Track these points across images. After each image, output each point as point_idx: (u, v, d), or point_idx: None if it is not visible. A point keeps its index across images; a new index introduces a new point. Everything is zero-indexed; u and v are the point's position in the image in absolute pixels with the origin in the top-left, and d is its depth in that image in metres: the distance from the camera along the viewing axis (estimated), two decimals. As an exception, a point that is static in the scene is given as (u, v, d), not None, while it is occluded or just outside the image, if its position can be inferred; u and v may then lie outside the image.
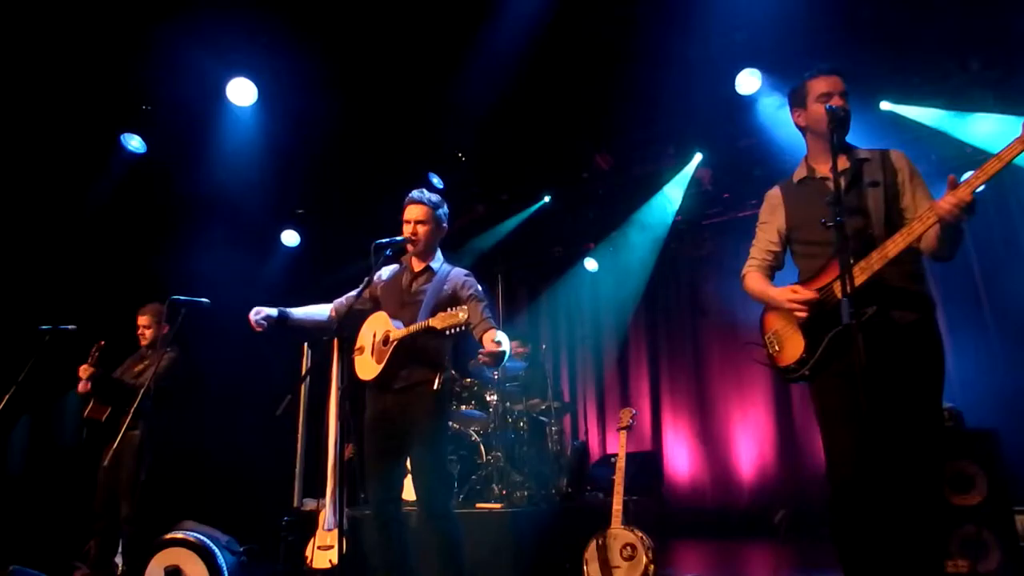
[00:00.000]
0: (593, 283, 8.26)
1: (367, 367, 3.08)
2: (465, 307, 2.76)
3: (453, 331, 2.76)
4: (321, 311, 3.32)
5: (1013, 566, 3.53)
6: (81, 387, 4.12)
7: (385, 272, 3.32)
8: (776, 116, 5.56)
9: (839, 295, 2.29)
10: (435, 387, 2.96)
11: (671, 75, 5.21)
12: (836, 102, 2.42)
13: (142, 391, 3.74)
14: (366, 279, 3.11)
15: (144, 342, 4.40)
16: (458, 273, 3.20)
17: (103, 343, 4.09)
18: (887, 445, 2.17)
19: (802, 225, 2.54)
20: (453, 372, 3.12)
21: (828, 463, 2.37)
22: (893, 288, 2.31)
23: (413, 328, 2.91)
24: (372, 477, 3.02)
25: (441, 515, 2.93)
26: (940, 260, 2.36)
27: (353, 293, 3.24)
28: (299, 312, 3.27)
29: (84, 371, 4.01)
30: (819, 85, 2.50)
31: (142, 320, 4.44)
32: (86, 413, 4.13)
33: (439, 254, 3.25)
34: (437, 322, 2.79)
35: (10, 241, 5.63)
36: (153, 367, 4.15)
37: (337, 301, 3.35)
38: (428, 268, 3.18)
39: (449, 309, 2.78)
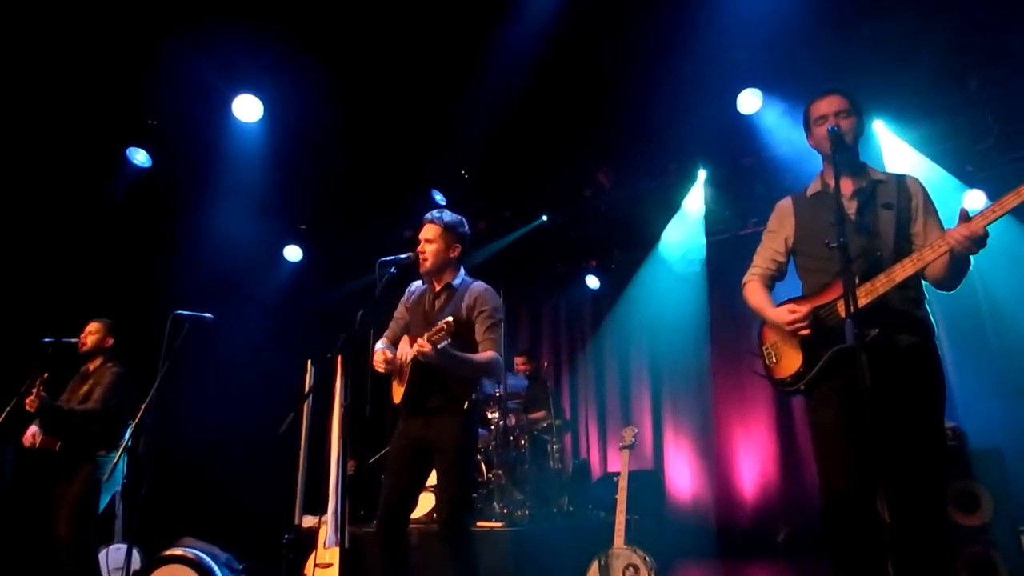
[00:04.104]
0: (594, 300, 8.26)
1: (396, 390, 3.11)
2: (451, 318, 2.73)
3: (445, 343, 2.74)
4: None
5: (1020, 587, 3.51)
6: (27, 438, 4.07)
7: (414, 294, 3.32)
8: (777, 133, 5.58)
9: (842, 314, 2.30)
10: (464, 407, 2.94)
11: (671, 92, 5.25)
12: (832, 122, 2.44)
13: (143, 406, 3.73)
14: (378, 294, 3.11)
15: (83, 348, 4.32)
16: (476, 288, 3.15)
17: (47, 375, 4.00)
18: (887, 463, 2.18)
19: (810, 238, 2.55)
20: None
21: (821, 477, 2.38)
22: (895, 311, 2.33)
23: (415, 351, 2.88)
24: (386, 494, 3.00)
25: (460, 535, 2.90)
26: (943, 290, 2.39)
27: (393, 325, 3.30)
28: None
29: (30, 404, 3.92)
30: (818, 107, 2.53)
31: (91, 327, 4.36)
32: (38, 444, 4.03)
33: (461, 272, 3.22)
34: (429, 337, 2.76)
35: (15, 253, 5.65)
36: (99, 386, 4.16)
37: (389, 334, 3.33)
38: (448, 286, 3.16)
39: (438, 323, 2.75)
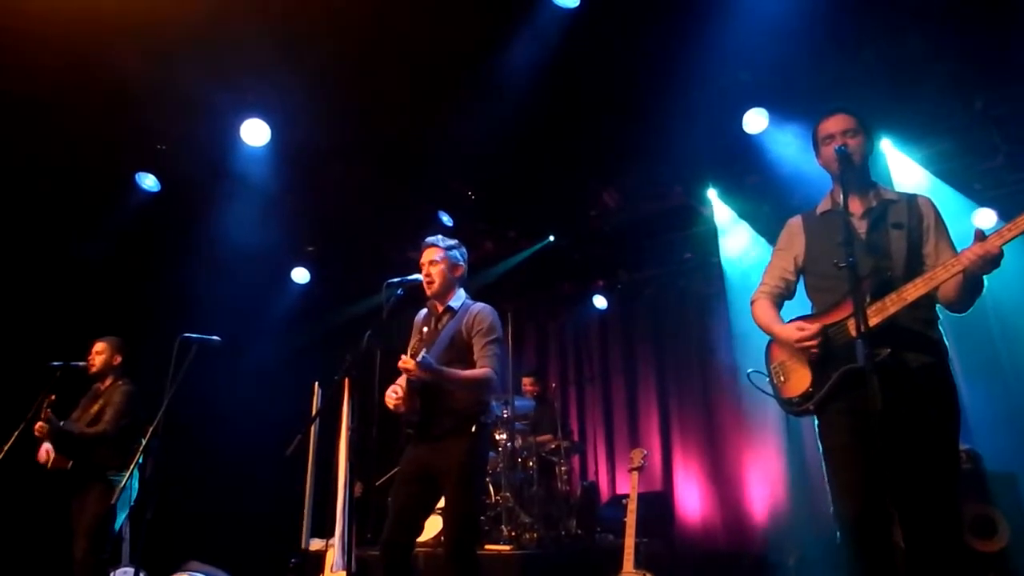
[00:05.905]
0: (601, 320, 8.24)
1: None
2: (425, 328, 2.83)
3: (423, 352, 2.82)
4: None
5: (1039, 614, 3.43)
6: (42, 454, 4.11)
7: (419, 320, 3.37)
8: (783, 153, 5.57)
9: (852, 333, 2.28)
10: (472, 429, 2.97)
11: (677, 113, 5.25)
12: (839, 142, 2.45)
13: (151, 429, 3.73)
14: (384, 314, 3.14)
15: (93, 369, 4.36)
16: (475, 308, 3.21)
17: (53, 397, 4.05)
18: (901, 487, 2.14)
19: (820, 258, 2.54)
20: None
21: (834, 501, 2.35)
22: (907, 331, 2.31)
23: (409, 375, 2.93)
24: (392, 518, 2.99)
25: (466, 559, 2.89)
26: (955, 311, 2.37)
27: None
28: None
29: (39, 430, 3.96)
30: (826, 127, 2.54)
31: (97, 347, 4.40)
32: (50, 465, 4.08)
33: (460, 293, 3.28)
34: (411, 353, 2.84)
35: (24, 277, 5.68)
36: (110, 406, 4.19)
37: None
38: (449, 308, 3.22)
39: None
